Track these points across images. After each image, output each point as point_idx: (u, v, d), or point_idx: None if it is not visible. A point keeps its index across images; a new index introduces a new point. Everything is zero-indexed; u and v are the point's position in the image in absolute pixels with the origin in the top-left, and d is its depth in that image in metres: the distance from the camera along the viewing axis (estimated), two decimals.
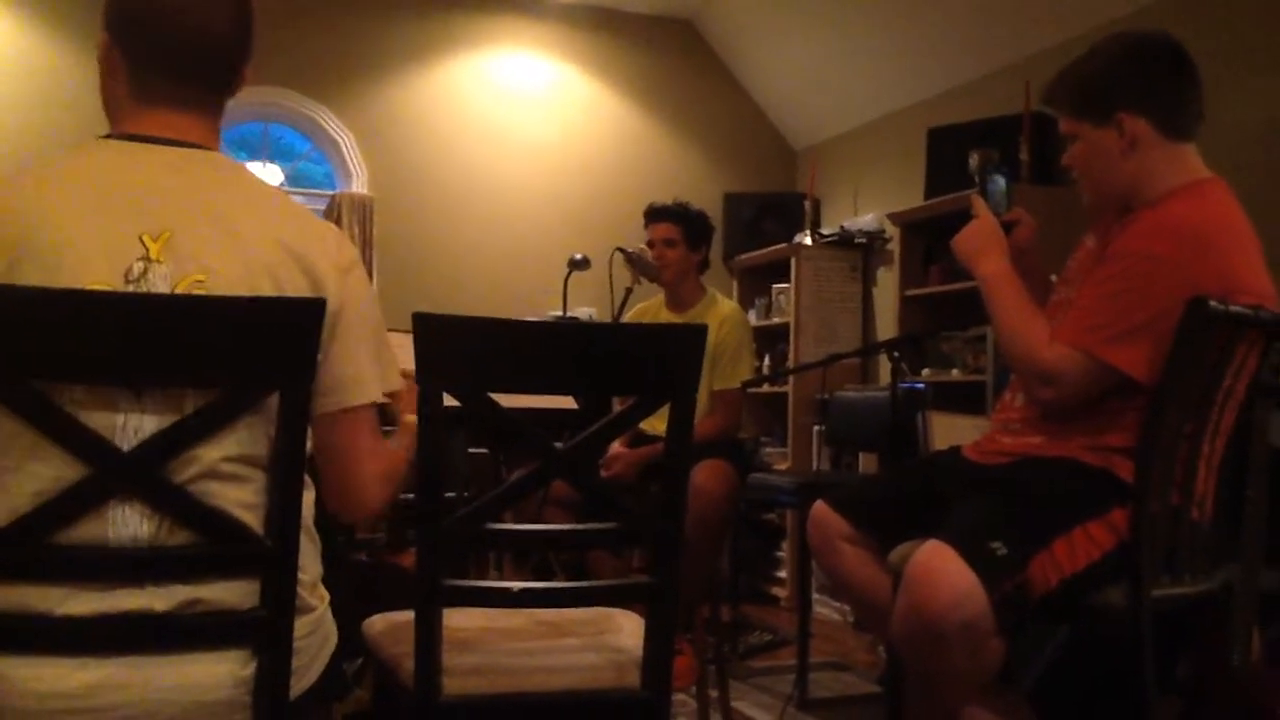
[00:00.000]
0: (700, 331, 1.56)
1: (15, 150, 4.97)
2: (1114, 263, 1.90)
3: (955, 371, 4.42)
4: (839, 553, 2.17)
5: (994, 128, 4.46)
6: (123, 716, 1.22)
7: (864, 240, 5.37)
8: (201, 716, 1.25)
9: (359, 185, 5.52)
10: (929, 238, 4.73)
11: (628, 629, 1.75)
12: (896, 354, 2.81)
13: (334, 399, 1.37)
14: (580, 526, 1.66)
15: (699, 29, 6.23)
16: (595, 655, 1.66)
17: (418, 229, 5.60)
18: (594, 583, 1.86)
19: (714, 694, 3.16)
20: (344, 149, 5.60)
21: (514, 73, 5.91)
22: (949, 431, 3.05)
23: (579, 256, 4.48)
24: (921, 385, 3.86)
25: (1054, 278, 2.25)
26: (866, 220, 5.42)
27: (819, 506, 2.20)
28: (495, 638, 1.69)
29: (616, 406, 3.44)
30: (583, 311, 5.16)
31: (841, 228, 5.46)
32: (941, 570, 1.73)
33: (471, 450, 3.08)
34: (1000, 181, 2.47)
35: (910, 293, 4.73)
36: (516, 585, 1.52)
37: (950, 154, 4.59)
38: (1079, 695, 2.21)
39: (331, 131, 5.59)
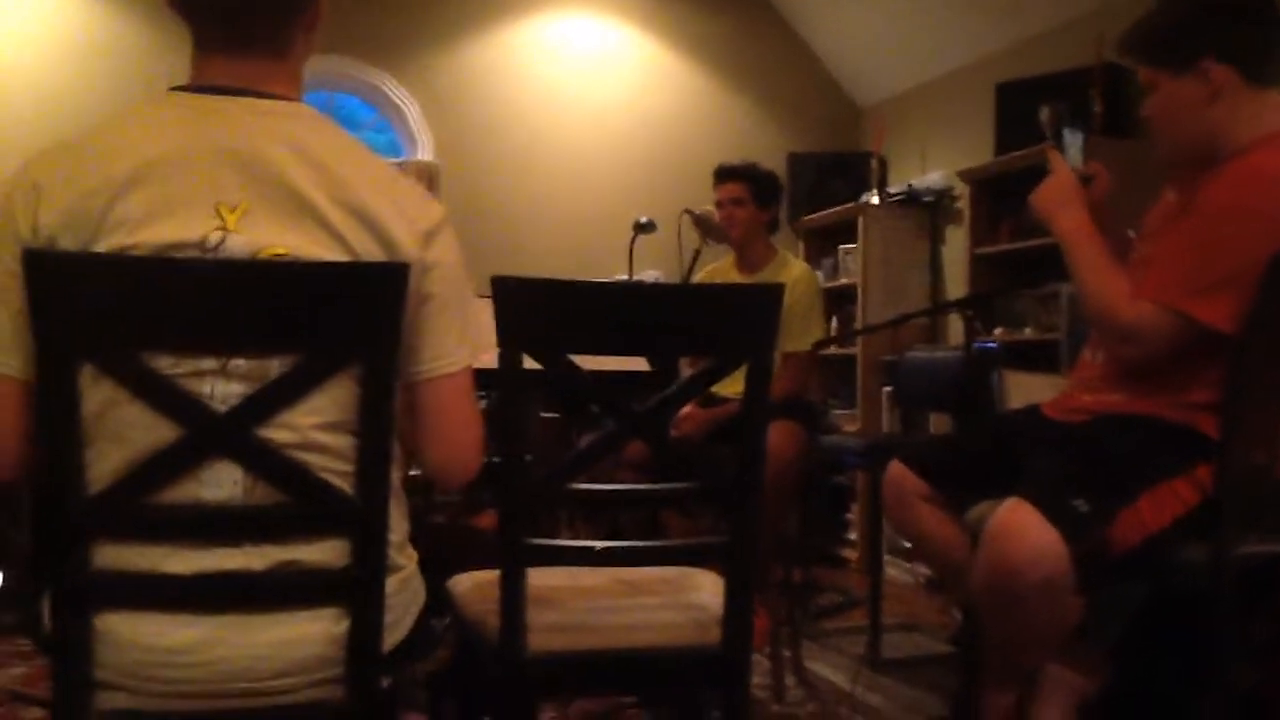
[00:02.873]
0: (778, 291, 1.56)
1: (77, 122, 5.06)
2: (1199, 215, 1.86)
3: (1028, 330, 4.36)
4: (915, 511, 2.16)
5: (1064, 81, 4.37)
6: (223, 672, 1.26)
7: (932, 199, 5.29)
8: (297, 672, 1.29)
9: (424, 152, 5.56)
10: (999, 195, 4.65)
11: (707, 587, 1.76)
12: (970, 313, 2.78)
13: (425, 366, 1.37)
14: (662, 486, 1.67)
15: None
16: (675, 613, 1.67)
17: (482, 195, 5.63)
18: (675, 541, 1.88)
19: (787, 654, 3.18)
20: (409, 116, 5.64)
21: (576, 35, 5.90)
22: (1024, 390, 3.02)
23: (644, 220, 4.48)
24: (994, 345, 3.82)
25: (1131, 233, 2.21)
26: (934, 178, 5.34)
27: (894, 466, 2.19)
28: (575, 596, 1.71)
29: (683, 368, 3.45)
30: (648, 274, 5.15)
31: (909, 186, 5.39)
32: (1022, 527, 1.72)
33: (542, 415, 3.12)
34: (1077, 135, 2.42)
35: (981, 251, 4.67)
36: (599, 544, 1.54)
37: (1020, 109, 4.51)
38: (1158, 654, 2.19)
39: (396, 99, 5.63)
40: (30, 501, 4.08)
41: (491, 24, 5.78)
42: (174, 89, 1.36)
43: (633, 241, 4.50)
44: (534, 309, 1.48)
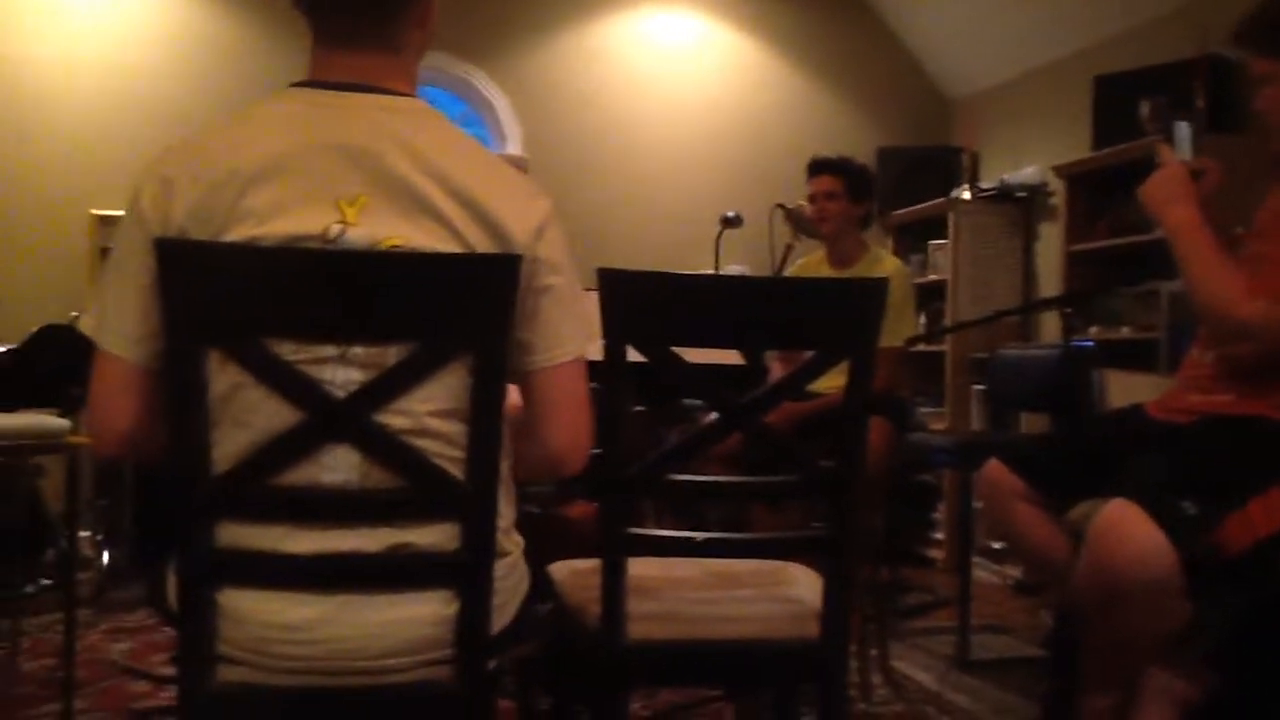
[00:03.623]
0: (882, 286, 1.56)
1: (190, 117, 5.22)
2: None
3: (1125, 329, 4.27)
4: (1013, 511, 2.14)
5: (1166, 74, 4.26)
6: (338, 650, 1.30)
7: (1025, 194, 5.20)
8: (408, 652, 1.32)
9: (513, 147, 5.62)
10: (1097, 190, 4.56)
11: (803, 582, 1.76)
12: (1069, 310, 2.73)
13: (540, 356, 1.39)
14: (764, 479, 1.67)
15: None
16: (772, 606, 1.68)
17: (569, 188, 5.67)
18: (776, 534, 1.88)
19: (873, 652, 3.16)
20: (498, 111, 5.70)
21: (665, 30, 5.91)
22: (1125, 389, 2.96)
23: (731, 214, 4.48)
24: (1090, 343, 3.74)
25: (1239, 230, 2.15)
26: (1027, 173, 5.25)
27: (992, 465, 2.17)
28: (672, 586, 1.72)
29: (770, 362, 3.44)
30: (734, 269, 5.16)
31: (1001, 181, 5.31)
32: (1128, 528, 1.70)
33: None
34: (1185, 128, 2.36)
35: (1076, 248, 4.58)
36: (701, 535, 1.55)
37: (1119, 102, 4.41)
38: (1264, 661, 2.13)
39: (485, 94, 5.70)
40: (135, 483, 4.22)
41: (581, 18, 5.82)
42: (294, 85, 1.40)
43: (719, 235, 4.51)
44: (640, 301, 1.50)
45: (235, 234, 1.29)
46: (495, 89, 5.68)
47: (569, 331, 1.42)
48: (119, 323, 1.31)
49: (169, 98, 5.31)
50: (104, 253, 5.02)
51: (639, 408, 3.34)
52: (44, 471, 3.54)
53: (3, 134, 5.20)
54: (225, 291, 1.27)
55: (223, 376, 1.29)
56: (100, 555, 4.15)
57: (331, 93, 1.38)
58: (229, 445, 1.30)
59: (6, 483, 3.67)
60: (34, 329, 4.12)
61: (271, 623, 1.29)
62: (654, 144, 5.87)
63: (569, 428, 1.45)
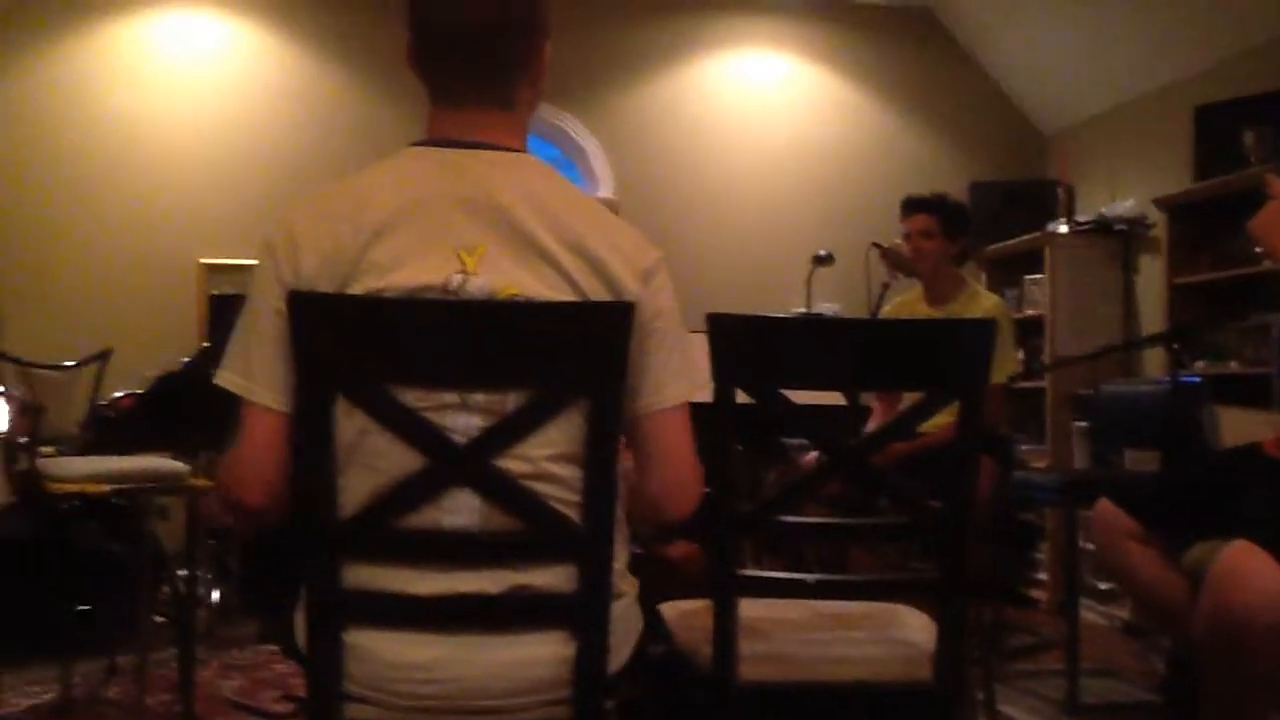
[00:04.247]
0: (991, 327, 1.55)
1: (292, 169, 5.41)
2: None
3: (1233, 364, 4.16)
4: (1126, 552, 2.09)
5: (1268, 103, 4.17)
6: (462, 689, 1.33)
7: (1124, 227, 5.11)
8: (529, 692, 1.35)
9: (604, 190, 5.70)
10: (1200, 222, 4.46)
11: (914, 624, 1.75)
12: (1176, 346, 2.68)
13: (645, 401, 1.41)
14: (878, 521, 1.68)
15: (937, 14, 6.10)
16: (884, 648, 1.67)
17: (660, 230, 5.71)
18: (888, 576, 1.87)
19: (979, 696, 3.10)
20: (589, 154, 5.80)
21: (752, 70, 5.96)
22: (1239, 426, 2.88)
23: (823, 253, 4.49)
24: (1197, 379, 3.66)
25: None
26: (1126, 206, 5.16)
27: (1104, 504, 2.13)
28: (781, 628, 1.73)
29: (869, 401, 3.42)
30: (826, 308, 5.15)
31: (1099, 214, 5.22)
32: (1251, 570, 1.66)
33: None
34: None
35: (1180, 280, 4.48)
36: (813, 577, 1.56)
37: (1221, 133, 4.32)
38: None
39: (577, 138, 5.79)
40: (243, 528, 4.34)
41: (669, 61, 5.90)
42: (414, 144, 1.47)
43: (810, 275, 4.51)
44: (749, 344, 1.52)
45: (361, 285, 1.34)
46: (586, 133, 5.78)
47: (674, 378, 1.44)
48: (264, 375, 1.36)
49: (273, 150, 5.51)
50: (212, 300, 5.25)
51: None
52: (167, 513, 3.66)
53: (115, 187, 5.44)
54: (352, 342, 1.32)
55: (350, 423, 1.33)
56: (210, 594, 4.27)
57: (449, 150, 1.44)
58: (356, 489, 1.35)
59: (128, 523, 3.81)
60: (147, 375, 4.30)
61: (397, 662, 1.32)
62: (743, 184, 5.90)
63: (674, 473, 1.47)
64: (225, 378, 1.40)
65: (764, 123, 5.95)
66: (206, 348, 4.40)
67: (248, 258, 5.27)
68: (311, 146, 5.50)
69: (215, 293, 5.32)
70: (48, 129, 5.42)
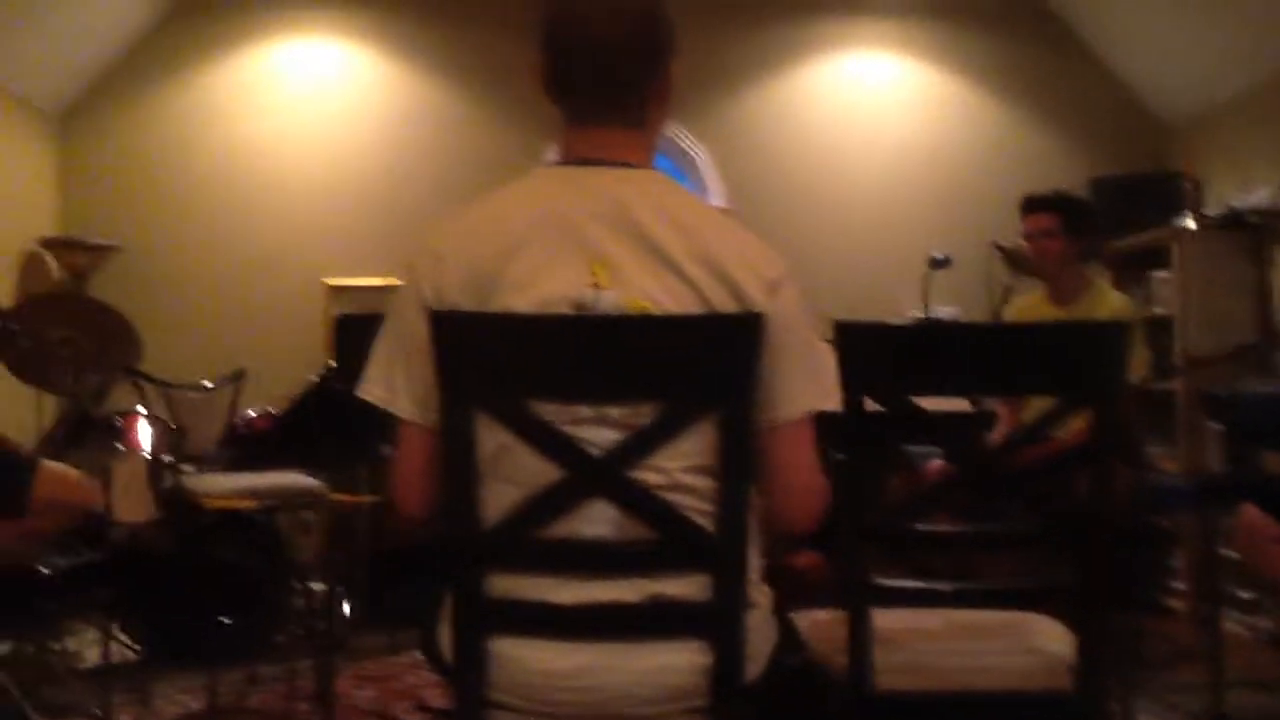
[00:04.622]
0: (1123, 328, 1.53)
1: (413, 191, 5.57)
2: None
3: None
4: (1274, 558, 2.03)
5: None
6: (604, 697, 1.36)
7: (1258, 219, 4.91)
8: (668, 700, 1.37)
9: (715, 198, 5.71)
10: None
11: (1051, 633, 1.72)
12: None
13: (770, 414, 1.43)
14: (1016, 528, 1.65)
15: (1051, 5, 5.95)
16: (1022, 658, 1.65)
17: (773, 237, 5.50)
18: (1025, 585, 1.83)
19: (1116, 707, 3.02)
20: (698, 163, 5.82)
21: (861, 72, 5.91)
22: None
23: (940, 255, 4.43)
24: None
25: None
26: (1259, 197, 4.95)
27: (1249, 510, 2.06)
28: (916, 637, 1.71)
29: (995, 406, 3.35)
30: (944, 311, 5.07)
31: (1229, 207, 5.03)
32: None
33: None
34: None
35: None
36: (948, 586, 1.54)
37: None
38: None
39: (686, 147, 5.82)
40: (369, 537, 4.47)
41: (776, 68, 5.88)
42: (547, 164, 1.52)
43: (927, 278, 4.46)
44: (878, 352, 1.51)
45: (499, 302, 1.39)
46: (695, 142, 5.80)
47: (800, 389, 1.45)
48: (410, 391, 1.42)
49: (393, 173, 5.67)
50: (338, 321, 5.41)
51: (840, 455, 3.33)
52: (309, 528, 3.80)
53: (242, 210, 5.66)
54: (492, 358, 1.36)
55: (491, 437, 1.38)
56: (340, 605, 4.40)
57: (581, 168, 1.48)
58: (497, 501, 1.39)
59: (264, 537, 3.96)
60: (278, 394, 4.46)
61: (541, 669, 1.36)
62: (855, 188, 5.85)
63: (800, 484, 1.48)
64: (368, 390, 1.46)
65: (874, 125, 5.89)
66: (333, 366, 4.53)
67: (370, 278, 5.49)
68: (432, 169, 5.64)
69: (339, 313, 5.49)
70: (180, 158, 5.67)
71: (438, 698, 3.44)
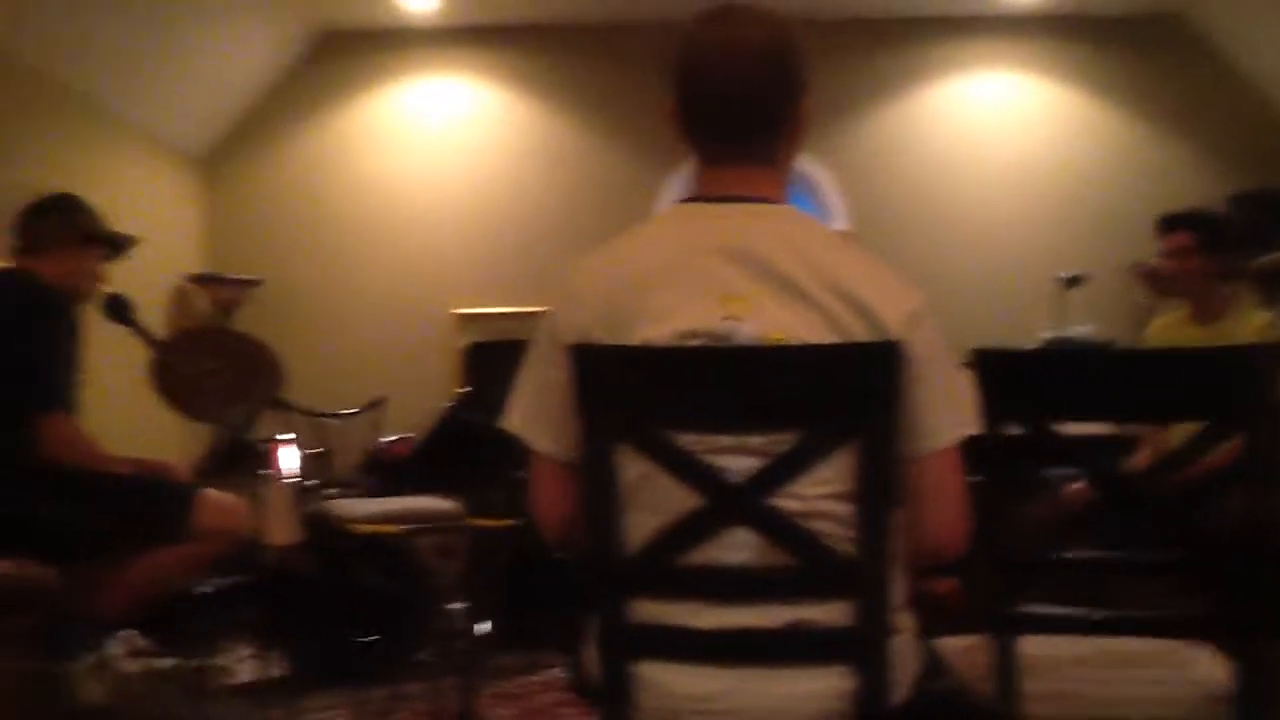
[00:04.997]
0: (1273, 350, 1.48)
1: (536, 224, 5.70)
2: None
3: None
4: None
5: None
6: None
7: None
8: None
9: (838, 221, 5.69)
10: None
11: (1205, 662, 1.67)
12: None
13: (913, 444, 1.42)
14: (1167, 556, 1.62)
15: (1186, 20, 5.78)
16: (1178, 688, 1.61)
17: (898, 259, 5.51)
18: (1179, 612, 1.79)
19: None
20: (821, 186, 5.81)
21: (985, 93, 5.84)
22: None
23: (1071, 274, 4.33)
24: None
25: None
26: None
27: None
28: (1064, 665, 1.69)
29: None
30: (1078, 331, 4.95)
31: None
32: None
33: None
34: None
35: None
36: (1096, 613, 1.52)
37: None
38: None
39: (808, 171, 5.81)
40: (510, 561, 4.56)
41: (898, 90, 5.85)
42: (681, 201, 1.56)
43: (1059, 297, 4.36)
44: (1018, 378, 1.50)
45: (636, 335, 1.43)
46: (818, 165, 5.79)
47: (942, 419, 1.45)
48: (548, 425, 1.47)
49: (518, 206, 5.83)
50: (468, 350, 5.55)
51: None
52: (450, 550, 3.90)
53: (375, 244, 5.87)
54: (632, 390, 1.40)
55: (632, 466, 1.41)
56: (478, 626, 4.49)
57: (714, 205, 1.52)
58: (639, 528, 1.42)
59: (405, 559, 4.08)
60: (411, 420, 4.60)
61: (685, 693, 1.38)
62: (980, 208, 5.76)
63: (945, 513, 1.48)
64: (510, 423, 1.52)
65: (999, 144, 5.80)
66: (464, 393, 4.66)
67: (496, 306, 5.63)
68: (556, 201, 5.78)
69: (469, 341, 5.64)
70: (316, 196, 5.92)
71: (574, 718, 3.49)
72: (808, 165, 5.80)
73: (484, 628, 4.49)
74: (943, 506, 1.46)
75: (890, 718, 1.42)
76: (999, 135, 5.80)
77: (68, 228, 2.97)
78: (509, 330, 5.51)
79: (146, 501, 2.82)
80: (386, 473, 4.33)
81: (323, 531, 3.61)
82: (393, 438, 4.70)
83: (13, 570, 2.26)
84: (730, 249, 1.45)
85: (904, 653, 1.46)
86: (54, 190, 3.09)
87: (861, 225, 5.64)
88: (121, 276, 3.20)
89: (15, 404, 2.69)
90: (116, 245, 3.14)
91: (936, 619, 1.97)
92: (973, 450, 1.53)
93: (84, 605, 2.69)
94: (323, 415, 4.43)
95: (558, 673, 4.05)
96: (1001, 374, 1.49)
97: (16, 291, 2.85)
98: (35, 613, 2.30)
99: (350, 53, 5.93)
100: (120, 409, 3.80)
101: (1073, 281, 4.07)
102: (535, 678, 4.05)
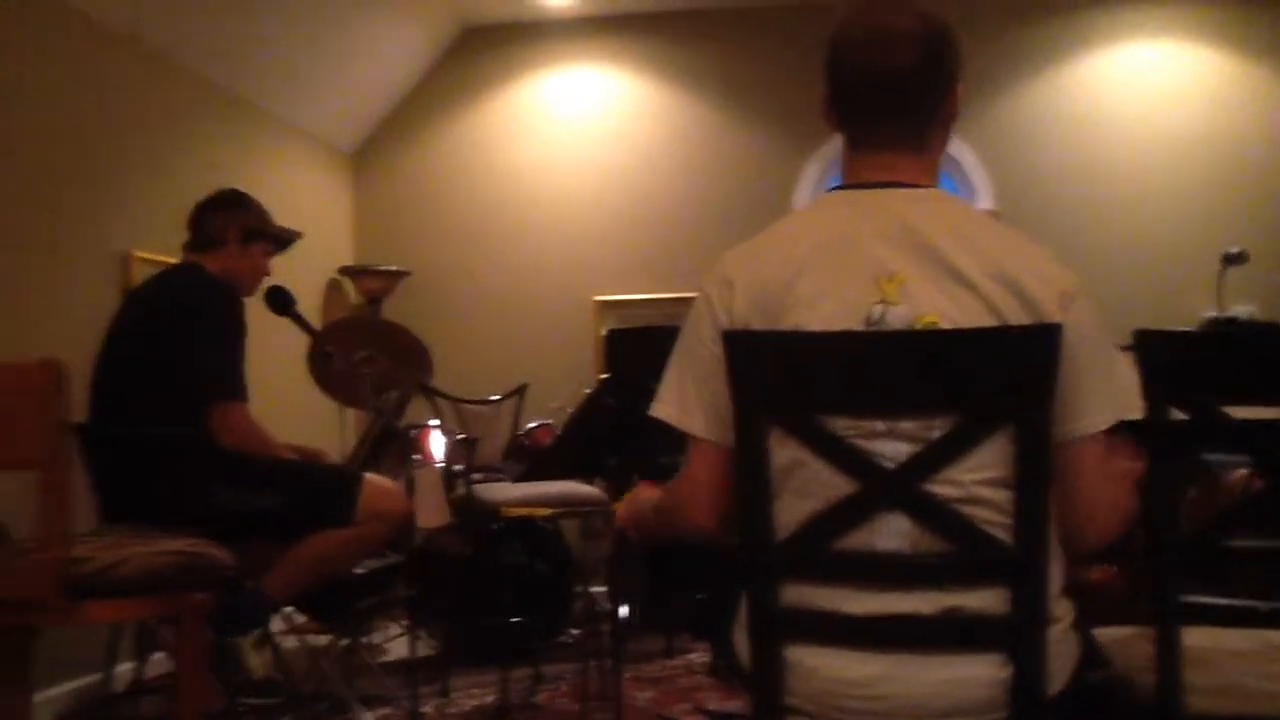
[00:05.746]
0: None
1: (674, 210, 5.72)
2: None
3: None
4: None
5: None
6: (898, 706, 1.37)
7: None
8: (964, 713, 1.37)
9: (984, 200, 5.56)
10: None
11: None
12: None
13: (1067, 428, 1.40)
14: None
15: None
16: None
17: (1046, 237, 5.36)
18: None
19: None
20: (964, 165, 5.67)
21: (1142, 64, 5.60)
22: None
23: (1235, 250, 4.14)
24: None
25: None
26: None
27: None
28: (1227, 658, 1.63)
29: None
30: (1242, 310, 4.73)
31: None
32: None
33: None
34: None
35: None
36: (1265, 605, 1.46)
37: None
38: None
39: (951, 149, 5.68)
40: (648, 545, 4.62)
41: (1046, 64, 5.67)
42: (832, 189, 1.57)
43: (1221, 275, 4.18)
44: (1183, 360, 1.46)
45: (788, 321, 1.43)
46: (960, 143, 5.66)
47: (1099, 403, 1.42)
48: (704, 410, 1.49)
49: (656, 193, 5.87)
50: (608, 336, 5.62)
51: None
52: (592, 534, 3.98)
53: (516, 233, 5.99)
54: (784, 375, 1.41)
55: (784, 451, 1.42)
56: (620, 609, 4.57)
57: (866, 191, 1.52)
58: (790, 513, 1.43)
59: (550, 542, 4.17)
60: (554, 407, 4.68)
61: (837, 678, 1.39)
62: (1135, 183, 5.54)
63: (1101, 499, 1.45)
64: (661, 409, 1.54)
65: (1149, 115, 5.56)
66: (604, 379, 4.72)
67: (636, 293, 5.68)
68: (693, 188, 5.81)
69: (608, 327, 5.71)
70: (460, 187, 6.07)
71: (714, 700, 3.52)
72: (951, 144, 5.67)
73: (624, 611, 4.57)
74: (1096, 492, 1.43)
75: (1048, 707, 1.40)
76: (1149, 106, 5.56)
77: (236, 224, 3.12)
78: (648, 316, 5.57)
79: (316, 486, 2.95)
80: (530, 458, 4.43)
81: (470, 515, 3.71)
82: (535, 424, 4.79)
83: (194, 548, 2.40)
84: (882, 232, 1.45)
85: (1061, 642, 1.44)
86: (222, 188, 3.25)
87: (1006, 204, 5.50)
88: (280, 269, 3.35)
89: (192, 393, 2.84)
90: (282, 241, 3.28)
91: (1093, 607, 1.92)
92: (1136, 435, 1.49)
93: (254, 583, 2.84)
94: (468, 402, 4.55)
95: (696, 657, 4.09)
96: (1166, 356, 1.45)
97: (189, 285, 3.00)
98: (213, 589, 2.43)
99: (490, 46, 6.05)
100: (280, 397, 3.97)
101: (1234, 259, 3.89)
102: (675, 661, 4.10)
